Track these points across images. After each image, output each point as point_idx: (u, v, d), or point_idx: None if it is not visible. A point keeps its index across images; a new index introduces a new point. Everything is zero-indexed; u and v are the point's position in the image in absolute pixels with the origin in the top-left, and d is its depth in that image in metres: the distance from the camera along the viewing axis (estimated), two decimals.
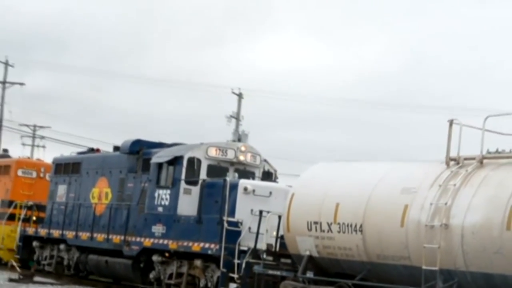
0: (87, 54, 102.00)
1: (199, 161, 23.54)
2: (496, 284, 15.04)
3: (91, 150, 30.06)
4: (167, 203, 23.68)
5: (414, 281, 16.39)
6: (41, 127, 67.93)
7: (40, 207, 30.97)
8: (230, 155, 23.95)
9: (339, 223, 18.05)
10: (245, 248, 21.37)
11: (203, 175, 23.52)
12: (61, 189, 29.31)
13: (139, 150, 25.67)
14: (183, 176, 23.34)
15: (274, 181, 24.61)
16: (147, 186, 24.58)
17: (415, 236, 16.24)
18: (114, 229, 25.90)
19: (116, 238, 25.60)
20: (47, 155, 61.80)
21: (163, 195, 23.86)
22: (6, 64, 59.47)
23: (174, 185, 23.50)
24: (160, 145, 25.69)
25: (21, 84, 59.79)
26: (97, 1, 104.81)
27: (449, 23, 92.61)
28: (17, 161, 34.41)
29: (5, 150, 38.28)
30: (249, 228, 21.71)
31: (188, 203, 23.19)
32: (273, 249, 21.13)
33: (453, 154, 16.67)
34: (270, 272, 20.13)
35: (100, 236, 26.52)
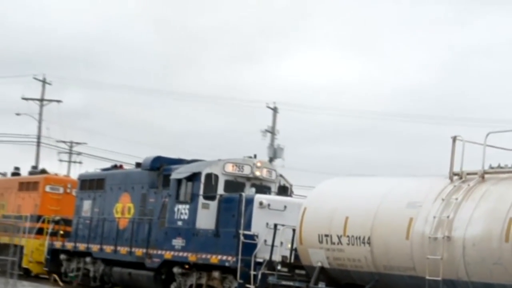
0: (123, 71, 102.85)
1: (216, 176, 24.05)
2: None
3: (115, 166, 30.69)
4: (186, 217, 24.21)
5: None
6: (77, 143, 68.17)
7: (67, 222, 31.59)
8: (246, 170, 24.44)
9: (348, 236, 18.48)
10: (261, 260, 21.83)
11: (220, 190, 24.02)
12: (86, 204, 29.94)
13: (160, 166, 26.23)
14: (201, 192, 23.87)
15: (290, 195, 25.07)
16: (167, 201, 25.12)
17: (419, 247, 16.64)
18: (137, 243, 26.45)
19: (139, 251, 26.15)
20: (84, 171, 63.54)
21: (182, 210, 24.40)
22: (44, 82, 59.80)
23: (192, 200, 24.03)
24: (180, 162, 26.23)
25: (58, 101, 60.14)
26: (132, 20, 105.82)
27: (487, 35, 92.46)
28: (45, 177, 35.10)
29: (34, 167, 39.01)
30: (265, 241, 22.17)
31: (206, 217, 23.71)
32: (288, 261, 21.61)
33: (457, 169, 17.11)
34: (284, 283, 20.55)
35: (123, 249, 27.09)
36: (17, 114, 59.33)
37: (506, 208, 15.17)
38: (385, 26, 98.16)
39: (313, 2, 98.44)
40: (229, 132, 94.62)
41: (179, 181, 24.60)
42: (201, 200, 23.88)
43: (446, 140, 17.02)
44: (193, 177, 24.18)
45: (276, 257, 21.60)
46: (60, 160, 68.19)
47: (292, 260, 21.50)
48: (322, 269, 19.33)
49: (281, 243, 21.88)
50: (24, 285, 27.46)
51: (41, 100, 59.86)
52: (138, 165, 28.38)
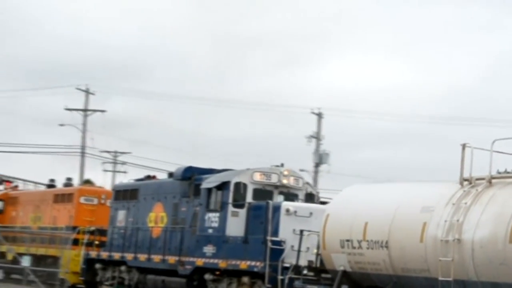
0: (167, 80, 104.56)
1: (245, 185, 25.84)
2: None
3: (148, 177, 32.57)
4: (216, 225, 26.02)
5: None
6: (122, 153, 69.59)
7: (102, 232, 33.44)
8: (274, 179, 26.19)
9: (367, 240, 20.18)
10: (288, 265, 23.55)
11: (249, 198, 25.80)
12: (121, 214, 31.84)
13: (191, 176, 28.01)
14: (230, 200, 25.67)
15: (316, 202, 26.76)
16: (198, 209, 26.94)
17: (432, 250, 18.31)
18: (170, 250, 28.27)
19: (172, 259, 27.99)
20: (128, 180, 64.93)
21: (212, 218, 26.22)
22: (87, 92, 61.28)
23: (222, 208, 25.83)
24: (210, 171, 28.04)
25: (102, 111, 61.50)
26: (175, 28, 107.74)
27: None
28: (79, 189, 37.13)
29: (69, 179, 41.05)
30: (292, 246, 23.87)
31: (235, 225, 25.49)
32: (314, 265, 23.32)
33: (467, 175, 18.76)
34: (309, 287, 22.31)
35: (157, 257, 28.95)
36: (61, 125, 60.80)
37: (510, 212, 16.81)
38: (429, 29, 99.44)
39: (357, 7, 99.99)
40: (273, 138, 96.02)
41: (209, 190, 26.43)
42: (230, 208, 25.67)
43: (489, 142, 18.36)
44: (223, 186, 25.99)
45: (303, 262, 23.33)
46: (105, 170, 69.62)
47: (318, 265, 23.21)
48: (344, 272, 21.05)
49: (308, 248, 23.58)
50: None
51: (85, 110, 61.14)
52: (170, 175, 30.21)
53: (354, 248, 20.61)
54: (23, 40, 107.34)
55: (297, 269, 23.40)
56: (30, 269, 32.71)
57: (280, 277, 23.43)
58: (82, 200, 36.33)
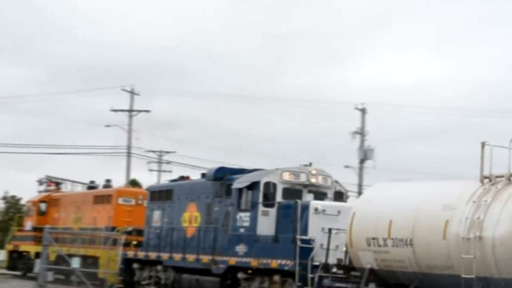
0: (210, 79, 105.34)
1: (274, 185, 26.03)
2: None
3: (182, 177, 32.90)
4: (247, 224, 26.25)
5: None
6: (167, 152, 69.75)
7: (139, 232, 33.86)
8: (303, 178, 26.35)
9: (392, 238, 20.27)
10: (317, 263, 23.72)
11: (279, 197, 25.98)
12: (156, 215, 32.21)
13: (223, 176, 28.28)
14: (260, 200, 25.89)
15: (345, 200, 26.87)
16: (230, 209, 27.21)
17: (455, 247, 18.35)
18: (203, 250, 28.57)
19: (205, 258, 28.29)
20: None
21: (244, 217, 26.46)
22: (132, 93, 61.57)
23: (253, 208, 26.06)
24: (241, 171, 28.27)
25: (147, 111, 61.60)
26: (217, 28, 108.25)
27: None
28: (117, 190, 37.60)
29: (108, 181, 41.58)
30: (321, 245, 24.02)
31: (266, 224, 25.70)
32: (343, 263, 23.45)
33: (487, 172, 18.77)
34: (337, 285, 22.42)
35: (191, 257, 29.26)
36: (107, 126, 61.23)
37: None
38: (469, 23, 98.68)
39: (397, 2, 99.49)
40: (317, 135, 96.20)
41: (240, 190, 26.68)
42: (260, 207, 25.89)
43: None
44: (253, 186, 26.22)
45: (332, 260, 23.48)
46: (150, 170, 69.94)
47: (347, 263, 23.32)
48: (371, 270, 21.16)
49: (337, 246, 23.75)
50: None
51: (130, 111, 61.41)
52: (203, 175, 30.53)
53: (379, 246, 20.70)
54: (68, 44, 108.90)
55: (326, 267, 23.55)
56: (80, 271, 33.11)
57: (310, 275, 23.59)
58: (120, 201, 36.81)
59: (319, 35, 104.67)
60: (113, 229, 35.51)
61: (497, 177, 18.41)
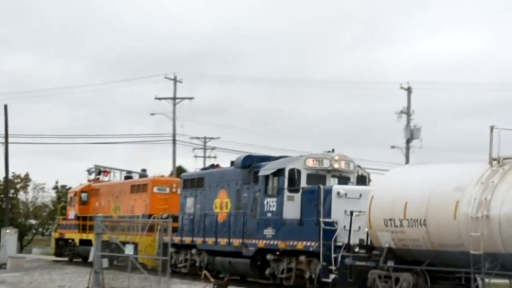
0: (255, 64, 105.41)
1: (298, 171, 26.99)
2: None
3: (212, 166, 33.96)
4: (274, 209, 27.26)
5: (469, 264, 19.38)
6: (211, 138, 70.07)
7: (174, 218, 34.91)
8: (326, 164, 27.26)
9: (408, 219, 21.17)
10: (340, 244, 24.69)
11: (303, 183, 26.94)
12: (189, 202, 33.32)
13: (250, 164, 29.30)
14: (286, 185, 26.87)
15: (367, 184, 27.72)
16: (258, 195, 28.23)
17: (465, 226, 19.23)
18: (234, 234, 29.64)
19: (236, 241, 29.34)
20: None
21: (270, 203, 27.47)
22: (175, 80, 61.78)
23: (279, 193, 27.06)
24: (268, 159, 29.25)
25: (190, 98, 61.86)
26: (260, 12, 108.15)
27: None
28: (152, 180, 38.75)
29: (144, 170, 42.76)
30: (344, 227, 24.98)
31: (291, 208, 26.70)
32: (365, 243, 24.36)
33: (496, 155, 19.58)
34: (358, 263, 23.37)
35: (223, 240, 30.33)
36: (152, 114, 61.58)
37: None
38: None
39: None
40: (363, 116, 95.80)
41: (266, 177, 27.68)
42: (286, 193, 26.86)
43: None
44: (278, 173, 27.20)
45: (354, 241, 24.41)
46: (196, 156, 70.11)
47: (369, 243, 24.24)
48: (389, 249, 22.07)
49: (359, 227, 24.64)
50: (175, 283, 28.52)
51: (174, 98, 61.65)
52: (232, 163, 31.55)
53: (396, 226, 21.60)
54: (115, 34, 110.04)
55: (348, 247, 24.49)
56: (133, 257, 34.06)
57: (333, 255, 24.56)
58: (155, 189, 37.92)
59: (365, 15, 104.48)
60: (149, 216, 36.62)
61: (505, 159, 19.21)
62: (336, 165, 27.36)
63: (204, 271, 28.64)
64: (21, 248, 60.91)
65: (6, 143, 53.40)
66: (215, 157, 69.15)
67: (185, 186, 33.97)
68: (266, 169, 27.81)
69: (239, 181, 29.86)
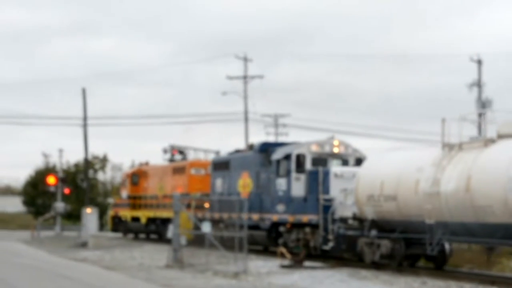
0: (328, 41, 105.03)
1: (304, 155, 30.63)
2: (468, 228, 21.39)
3: (237, 151, 37.71)
4: (284, 188, 30.98)
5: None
6: (282, 115, 69.83)
7: (207, 196, 38.66)
8: (327, 149, 30.88)
9: (384, 195, 24.77)
10: (337, 217, 28.32)
11: (308, 165, 30.58)
12: (218, 182, 37.13)
13: (266, 149, 33.02)
14: (293, 168, 30.56)
15: None
16: (272, 176, 31.97)
17: (423, 200, 22.77)
18: (254, 210, 33.37)
19: (255, 216, 33.12)
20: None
21: (281, 182, 31.19)
22: (245, 59, 62.58)
23: (288, 174, 30.77)
24: (281, 145, 32.97)
25: (260, 77, 62.80)
26: None
27: None
28: (190, 163, 42.60)
29: (181, 152, 46.41)
30: (340, 203, 28.59)
31: (298, 187, 30.40)
32: (358, 216, 27.93)
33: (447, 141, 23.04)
34: (349, 232, 27.02)
35: (245, 216, 34.07)
36: (224, 94, 62.79)
37: (464, 168, 21.11)
38: None
39: None
40: (435, 89, 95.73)
41: (278, 161, 31.40)
42: (294, 174, 30.56)
43: None
44: (287, 157, 30.90)
45: (349, 214, 28.00)
46: (267, 133, 70.05)
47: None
48: (372, 221, 25.72)
49: (353, 202, 28.21)
50: (252, 259, 28.62)
51: (245, 77, 62.39)
52: (250, 147, 35.22)
53: (376, 201, 25.24)
54: (195, 17, 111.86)
55: (344, 220, 28.12)
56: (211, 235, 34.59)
57: (331, 226, 28.22)
58: (192, 171, 41.75)
59: None
60: (187, 195, 40.52)
61: (453, 145, 22.66)
62: (335, 150, 30.94)
63: (281, 248, 28.69)
64: (101, 227, 63.39)
65: (85, 126, 56.84)
66: (286, 134, 69.14)
67: (215, 168, 37.75)
68: (278, 154, 31.53)
69: (258, 164, 33.56)
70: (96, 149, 77.20)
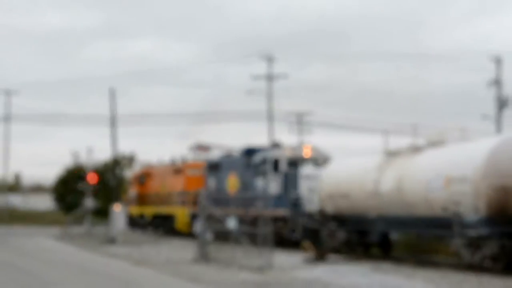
0: (355, 40, 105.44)
1: (278, 160, 34.21)
2: (401, 220, 24.95)
3: (227, 155, 41.27)
4: (263, 187, 34.57)
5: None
6: (306, 114, 69.97)
7: None
8: (299, 152, 34.45)
9: (340, 194, 28.33)
10: (305, 212, 31.87)
11: (284, 167, 34.17)
12: (211, 181, 40.75)
13: (249, 153, 36.62)
14: (270, 170, 34.13)
15: None
16: (253, 176, 35.54)
17: (367, 198, 26.32)
18: (240, 205, 36.97)
19: (242, 211, 36.69)
20: (314, 139, 63.74)
21: (261, 182, 34.78)
22: (270, 59, 63.78)
23: (266, 176, 34.34)
24: (262, 150, 36.54)
25: (285, 76, 64.26)
26: None
27: None
28: (186, 165, 46.24)
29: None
30: (308, 200, 32.14)
31: (274, 186, 34.03)
32: (321, 211, 31.45)
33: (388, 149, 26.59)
34: (310, 223, 30.59)
35: (232, 210, 37.68)
36: (249, 93, 63.18)
37: (398, 172, 24.68)
38: None
39: None
40: (454, 87, 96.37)
41: (257, 164, 34.99)
42: (271, 176, 34.13)
43: None
44: (265, 161, 34.49)
45: (314, 209, 31.54)
46: (290, 132, 70.32)
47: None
48: (332, 215, 29.27)
49: (318, 200, 31.75)
50: (276, 254, 27.03)
51: (269, 77, 63.53)
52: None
53: (334, 198, 28.76)
54: (226, 19, 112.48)
55: (310, 215, 31.65)
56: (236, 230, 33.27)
57: (300, 220, 31.79)
58: (189, 172, 45.34)
59: None
60: (184, 193, 44.17)
61: (391, 152, 26.21)
62: (307, 154, 34.51)
63: (305, 242, 28.70)
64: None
65: (113, 124, 58.76)
66: (310, 132, 69.48)
67: (208, 169, 41.36)
68: (257, 158, 35.12)
69: (242, 166, 37.19)
70: (128, 147, 78.19)
